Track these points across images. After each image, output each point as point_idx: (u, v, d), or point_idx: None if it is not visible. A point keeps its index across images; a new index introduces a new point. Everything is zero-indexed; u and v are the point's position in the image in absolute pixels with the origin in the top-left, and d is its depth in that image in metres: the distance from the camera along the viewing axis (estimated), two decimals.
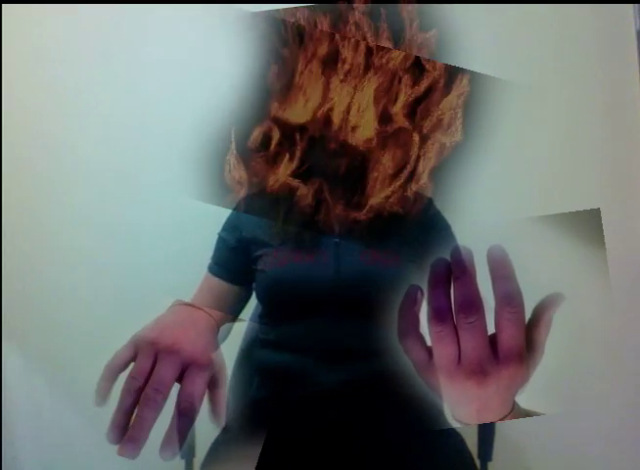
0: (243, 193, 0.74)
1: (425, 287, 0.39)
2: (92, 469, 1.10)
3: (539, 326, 0.39)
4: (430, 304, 0.38)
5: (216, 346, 0.53)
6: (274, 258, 0.72)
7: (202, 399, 0.46)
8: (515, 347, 0.37)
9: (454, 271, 0.37)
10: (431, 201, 0.76)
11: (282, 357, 0.73)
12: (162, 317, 0.56)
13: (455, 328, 0.37)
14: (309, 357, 0.71)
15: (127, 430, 0.43)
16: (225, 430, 0.74)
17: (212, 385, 0.49)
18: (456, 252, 0.38)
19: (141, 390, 0.44)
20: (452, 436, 0.72)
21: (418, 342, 0.40)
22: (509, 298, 0.37)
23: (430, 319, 0.38)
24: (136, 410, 0.43)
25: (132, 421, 0.43)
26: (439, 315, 0.38)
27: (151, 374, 0.45)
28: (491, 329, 0.38)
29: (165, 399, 0.44)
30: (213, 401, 0.49)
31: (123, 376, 0.47)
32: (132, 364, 0.47)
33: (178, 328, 0.52)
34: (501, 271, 0.37)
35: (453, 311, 0.38)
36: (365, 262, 0.70)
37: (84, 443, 1.09)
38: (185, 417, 0.44)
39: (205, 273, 0.78)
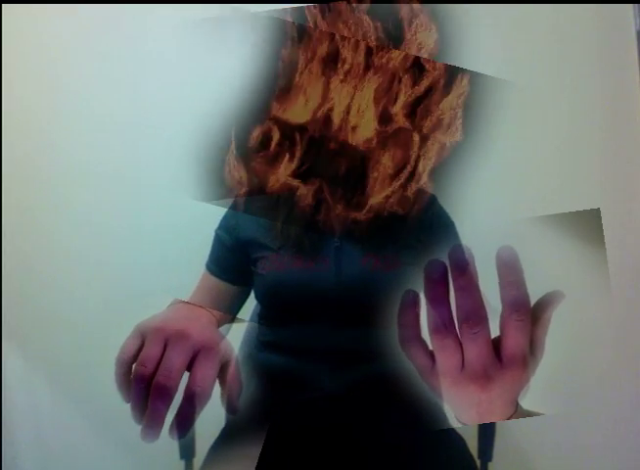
0: (242, 193, 0.74)
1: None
2: (92, 468, 1.10)
3: (539, 324, 0.38)
4: (430, 314, 0.37)
5: (222, 336, 0.52)
6: (273, 262, 0.71)
7: (213, 385, 0.45)
8: (520, 352, 0.37)
9: (455, 278, 0.35)
10: (434, 198, 0.75)
11: (281, 360, 0.73)
12: (164, 313, 0.55)
13: (457, 336, 0.37)
14: (310, 361, 0.70)
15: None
16: (227, 426, 0.74)
17: (223, 371, 0.48)
18: (456, 254, 0.35)
19: (151, 376, 0.42)
20: (452, 436, 0.72)
21: (421, 349, 0.39)
22: (517, 305, 0.35)
23: (431, 331, 0.37)
24: (149, 399, 0.42)
25: (147, 410, 0.41)
26: (441, 327, 0.36)
27: (160, 360, 0.43)
28: (494, 328, 0.38)
29: (177, 385, 0.43)
30: (226, 387, 0.48)
31: None
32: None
33: (183, 320, 0.51)
34: (511, 276, 0.35)
35: (455, 319, 0.36)
36: (366, 267, 0.69)
37: (84, 443, 1.09)
38: (195, 402, 0.43)
39: (202, 271, 0.78)
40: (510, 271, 0.35)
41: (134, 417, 0.43)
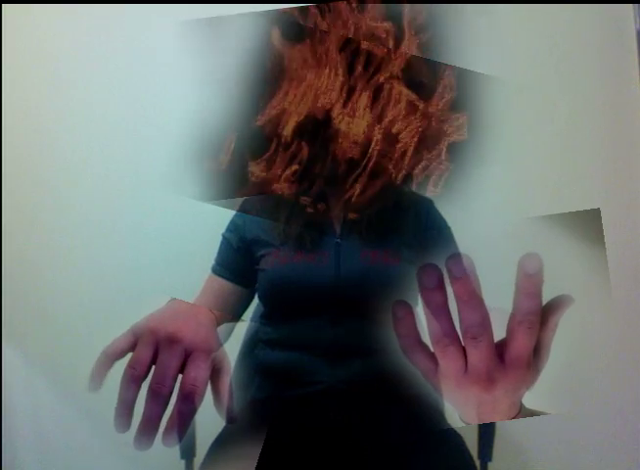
0: (244, 194, 0.74)
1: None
2: (92, 468, 1.10)
3: (547, 328, 0.38)
4: (430, 323, 0.36)
5: (218, 341, 0.52)
6: (275, 257, 0.72)
7: (206, 385, 0.45)
8: (525, 355, 0.36)
9: (456, 291, 0.34)
10: (431, 202, 0.76)
11: (283, 357, 0.74)
12: (162, 309, 0.55)
13: (460, 341, 0.36)
14: (310, 356, 0.71)
15: (131, 417, 0.42)
16: (227, 426, 0.74)
17: (215, 375, 0.48)
18: (455, 266, 0.34)
19: (141, 378, 0.43)
20: (452, 436, 0.72)
21: (422, 353, 0.39)
22: (531, 314, 0.35)
23: (432, 340, 0.37)
24: (143, 406, 0.42)
25: (141, 417, 0.42)
26: (442, 337, 0.36)
27: (150, 363, 0.44)
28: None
29: (171, 392, 0.43)
30: (217, 392, 0.48)
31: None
32: (130, 354, 0.45)
33: (180, 318, 0.51)
34: (531, 288, 0.34)
35: (457, 328, 0.36)
36: (365, 263, 0.70)
37: (84, 443, 1.09)
38: (189, 403, 0.42)
39: (208, 274, 0.78)
40: (532, 283, 0.34)
41: (117, 420, 0.42)
